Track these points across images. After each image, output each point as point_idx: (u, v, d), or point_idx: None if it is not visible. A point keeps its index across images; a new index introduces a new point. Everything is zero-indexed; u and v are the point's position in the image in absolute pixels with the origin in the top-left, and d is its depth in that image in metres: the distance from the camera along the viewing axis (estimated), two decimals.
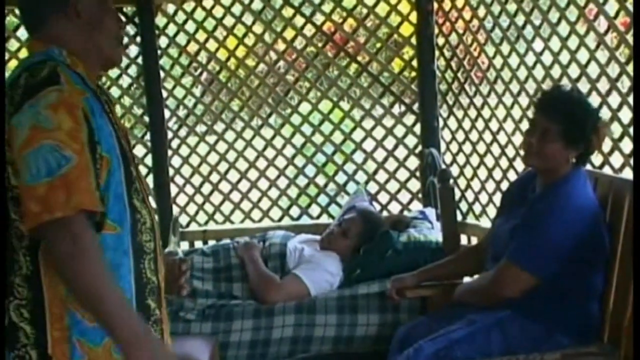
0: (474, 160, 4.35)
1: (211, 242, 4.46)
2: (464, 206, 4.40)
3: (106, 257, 1.72)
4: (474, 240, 4.34)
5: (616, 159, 3.54)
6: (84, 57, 1.83)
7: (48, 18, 1.83)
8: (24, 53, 4.55)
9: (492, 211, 4.14)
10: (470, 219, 4.41)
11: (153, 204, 4.68)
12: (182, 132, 4.87)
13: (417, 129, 4.56)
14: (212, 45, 4.69)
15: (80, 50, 1.83)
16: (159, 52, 4.62)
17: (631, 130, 3.39)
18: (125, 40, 4.46)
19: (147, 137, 4.70)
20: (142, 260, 1.82)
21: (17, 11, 4.43)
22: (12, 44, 4.65)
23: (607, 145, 3.52)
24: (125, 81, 4.80)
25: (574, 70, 3.71)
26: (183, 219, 4.75)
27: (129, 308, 1.73)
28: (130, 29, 4.55)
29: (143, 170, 4.67)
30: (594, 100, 3.58)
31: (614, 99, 3.51)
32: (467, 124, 4.37)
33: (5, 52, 4.46)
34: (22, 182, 1.65)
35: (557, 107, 2.87)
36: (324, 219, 4.66)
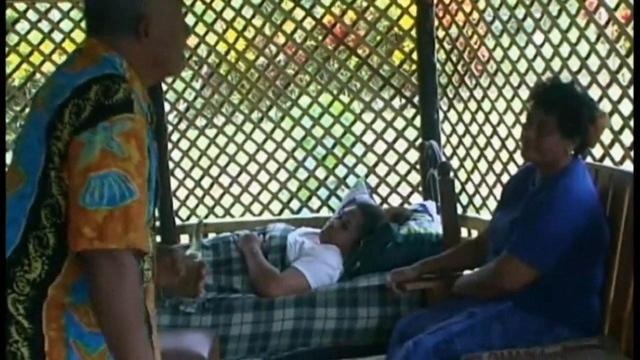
0: (474, 153, 4.34)
1: (211, 236, 4.45)
2: (464, 199, 4.40)
3: None
4: (474, 233, 4.34)
5: (616, 152, 3.54)
6: (143, 70, 1.78)
7: (115, 32, 1.76)
8: (24, 48, 4.56)
9: (492, 204, 4.14)
10: (471, 212, 4.41)
11: None
12: (182, 126, 4.87)
13: (417, 121, 4.55)
14: (211, 38, 4.68)
15: (141, 65, 1.78)
16: None
17: (632, 122, 3.38)
18: None
19: None
20: (141, 288, 1.78)
21: (16, 5, 4.47)
22: (12, 39, 4.64)
23: (607, 137, 3.52)
24: None
25: (574, 63, 3.71)
26: (183, 212, 4.75)
27: (150, 354, 1.71)
28: None
29: None
30: (595, 92, 3.58)
31: (615, 92, 3.50)
32: (467, 117, 4.37)
33: (5, 51, 4.45)
34: (79, 203, 1.61)
35: (552, 99, 2.87)
36: (324, 212, 4.66)
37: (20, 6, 4.50)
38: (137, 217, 1.62)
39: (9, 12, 4.56)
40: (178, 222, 4.69)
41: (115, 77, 1.70)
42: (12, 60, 4.77)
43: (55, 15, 4.53)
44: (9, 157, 2.11)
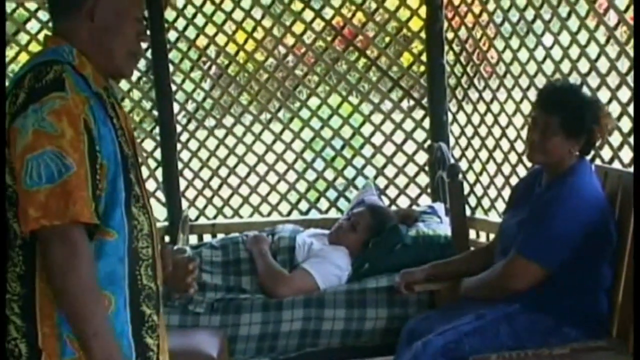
0: (483, 154, 4.34)
1: (220, 236, 4.46)
2: (472, 201, 4.40)
3: (101, 264, 1.74)
4: (483, 235, 4.34)
5: (626, 154, 3.53)
6: (93, 59, 1.83)
7: (65, 13, 1.83)
8: (34, 47, 4.58)
9: (500, 206, 4.14)
10: (479, 214, 4.41)
11: (159, 207, 4.70)
12: (191, 126, 4.88)
13: (426, 123, 4.56)
14: (221, 39, 4.70)
15: (90, 52, 1.82)
16: (168, 46, 4.62)
17: None
18: None
19: (156, 130, 4.71)
20: (138, 266, 1.82)
21: (27, 5, 4.50)
22: (23, 38, 4.66)
23: (616, 140, 3.52)
24: (134, 75, 4.80)
25: (583, 65, 3.71)
26: (192, 213, 4.76)
27: (109, 329, 1.73)
28: None
29: (152, 163, 4.69)
30: (604, 94, 3.58)
31: (624, 94, 3.50)
32: (476, 119, 4.37)
33: (5, 51, 4.46)
34: (22, 186, 1.67)
35: (554, 100, 2.89)
36: (333, 213, 4.67)
37: (31, 6, 4.52)
38: (77, 190, 1.67)
39: (20, 12, 4.58)
40: None
41: (50, 62, 1.76)
42: (23, 59, 4.79)
43: None
44: None
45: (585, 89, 3.33)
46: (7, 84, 1.86)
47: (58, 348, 1.72)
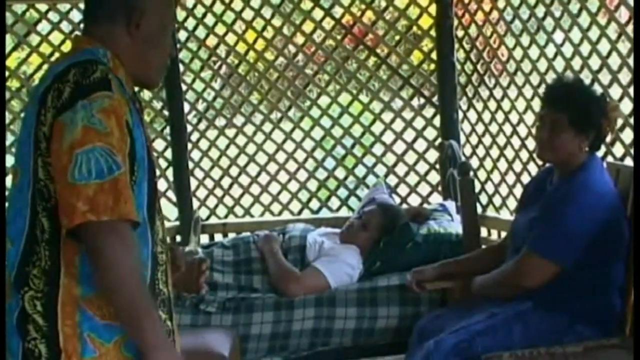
0: (494, 152, 4.33)
1: (231, 235, 4.47)
2: (483, 199, 4.39)
3: None
4: (494, 233, 4.33)
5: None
6: (128, 66, 1.83)
7: (109, 19, 1.83)
8: (45, 48, 4.59)
9: (512, 203, 4.13)
10: (490, 212, 4.40)
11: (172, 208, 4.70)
12: (202, 126, 4.88)
13: (437, 121, 4.55)
14: (231, 38, 4.70)
15: (126, 59, 1.83)
16: (178, 45, 4.63)
17: None
18: None
19: (167, 130, 4.72)
20: (156, 271, 1.82)
21: (38, 6, 4.51)
22: (34, 39, 4.67)
23: (628, 136, 3.50)
24: None
25: (595, 62, 3.69)
26: (203, 212, 4.77)
27: (157, 315, 1.75)
28: None
29: (163, 163, 4.70)
30: (616, 91, 3.56)
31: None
32: (486, 116, 4.36)
33: (5, 51, 4.47)
34: (68, 179, 1.65)
35: (560, 97, 2.89)
36: (344, 212, 4.67)
37: (42, 7, 4.53)
38: (125, 189, 1.67)
39: (31, 13, 4.59)
40: None
41: (93, 61, 1.76)
42: (34, 60, 4.81)
43: (76, 16, 4.55)
44: (9, 159, 2.15)
45: (590, 84, 3.32)
46: (6, 84, 1.87)
47: (79, 347, 1.71)
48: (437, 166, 4.58)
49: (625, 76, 3.58)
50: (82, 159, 1.64)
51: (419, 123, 4.62)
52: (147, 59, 1.86)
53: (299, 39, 4.76)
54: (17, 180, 1.78)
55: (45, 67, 4.83)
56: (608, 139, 3.48)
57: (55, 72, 1.75)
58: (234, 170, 4.78)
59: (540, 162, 3.77)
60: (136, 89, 1.92)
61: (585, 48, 3.73)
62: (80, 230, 1.65)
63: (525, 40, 4.08)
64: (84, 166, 1.64)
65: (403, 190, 4.66)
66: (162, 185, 4.70)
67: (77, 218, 1.64)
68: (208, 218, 4.79)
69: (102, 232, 1.64)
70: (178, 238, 4.59)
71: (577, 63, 3.78)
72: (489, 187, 4.40)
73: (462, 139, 4.48)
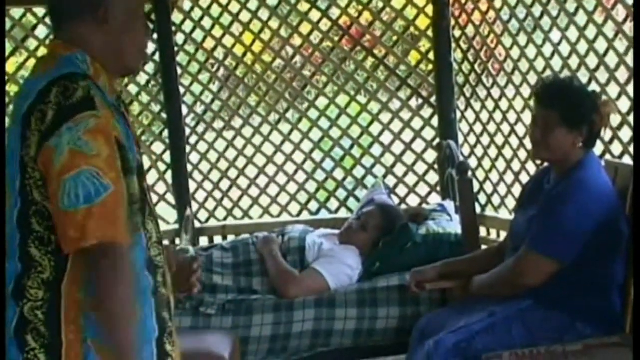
0: (492, 152, 4.34)
1: (230, 238, 4.47)
2: (482, 198, 4.39)
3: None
4: (493, 233, 4.34)
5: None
6: (106, 61, 1.82)
7: (75, 19, 1.81)
8: (43, 52, 4.59)
9: (510, 203, 4.13)
10: (489, 211, 4.40)
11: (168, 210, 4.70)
12: (200, 128, 4.88)
13: (435, 121, 4.55)
14: (228, 41, 4.70)
15: (102, 56, 1.82)
16: (175, 48, 4.63)
17: None
18: None
19: (165, 133, 4.72)
20: (156, 274, 1.83)
21: (35, 10, 4.51)
22: (31, 44, 4.67)
23: (626, 134, 3.50)
24: (142, 78, 4.82)
25: (592, 60, 3.69)
26: (202, 215, 4.77)
27: (144, 355, 1.76)
28: None
29: (161, 166, 4.70)
30: (613, 90, 3.57)
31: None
32: (484, 116, 4.36)
33: (5, 51, 4.48)
34: (59, 206, 1.65)
35: (551, 95, 2.89)
36: (343, 213, 4.66)
37: (40, 11, 4.53)
38: (115, 210, 1.66)
39: (28, 18, 4.59)
40: (197, 224, 4.70)
41: (73, 76, 1.73)
42: (32, 65, 4.79)
43: None
44: None
45: (587, 82, 3.32)
46: (7, 87, 1.86)
47: (81, 354, 1.71)
48: (436, 166, 4.58)
49: (623, 74, 3.58)
50: (70, 185, 1.64)
51: (417, 123, 4.62)
52: (123, 47, 1.84)
53: (297, 41, 4.76)
54: (9, 200, 1.77)
55: None
56: (607, 137, 3.51)
57: (37, 89, 1.73)
58: (232, 173, 4.78)
59: (538, 161, 3.77)
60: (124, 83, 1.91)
61: (582, 47, 3.74)
62: (79, 255, 1.67)
63: (522, 39, 4.08)
64: (72, 192, 1.64)
65: (402, 190, 4.66)
66: (160, 188, 4.70)
67: (70, 245, 1.65)
68: (207, 220, 4.78)
69: (94, 258, 1.65)
70: (177, 241, 4.59)
71: (574, 62, 3.78)
72: (488, 187, 4.40)
73: (461, 139, 4.48)
